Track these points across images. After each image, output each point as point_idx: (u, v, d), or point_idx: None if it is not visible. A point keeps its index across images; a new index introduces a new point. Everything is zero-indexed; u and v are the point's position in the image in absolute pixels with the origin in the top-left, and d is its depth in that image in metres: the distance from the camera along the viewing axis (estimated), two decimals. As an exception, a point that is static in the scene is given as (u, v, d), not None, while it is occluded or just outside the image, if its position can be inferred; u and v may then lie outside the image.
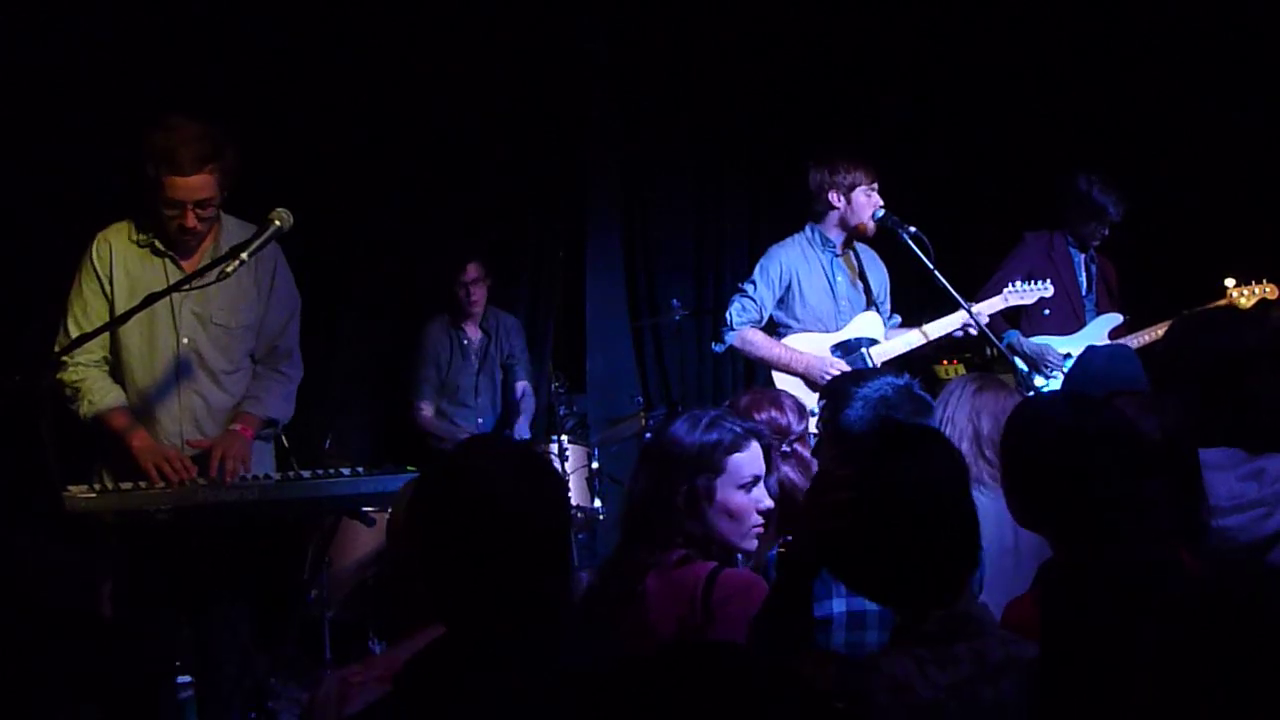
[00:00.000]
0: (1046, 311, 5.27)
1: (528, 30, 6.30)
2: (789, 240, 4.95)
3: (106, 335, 3.66)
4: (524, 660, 1.78)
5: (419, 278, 6.05)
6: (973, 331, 4.88)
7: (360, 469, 3.77)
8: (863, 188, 4.82)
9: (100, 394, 3.65)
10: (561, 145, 6.62)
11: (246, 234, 3.57)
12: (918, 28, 6.73)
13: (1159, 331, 5.41)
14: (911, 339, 4.89)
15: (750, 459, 2.63)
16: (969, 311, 4.70)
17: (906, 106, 6.85)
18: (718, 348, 5.02)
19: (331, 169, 5.67)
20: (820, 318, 4.87)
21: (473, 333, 5.90)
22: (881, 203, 4.82)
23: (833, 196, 4.86)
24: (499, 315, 6.00)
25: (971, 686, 1.87)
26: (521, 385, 5.99)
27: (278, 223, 3.46)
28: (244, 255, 3.40)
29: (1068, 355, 5.46)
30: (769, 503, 2.65)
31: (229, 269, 3.40)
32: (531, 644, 1.80)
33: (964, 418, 3.25)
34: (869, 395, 3.03)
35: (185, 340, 3.74)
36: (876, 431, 2.16)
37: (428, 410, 5.79)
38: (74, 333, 3.60)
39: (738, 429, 2.65)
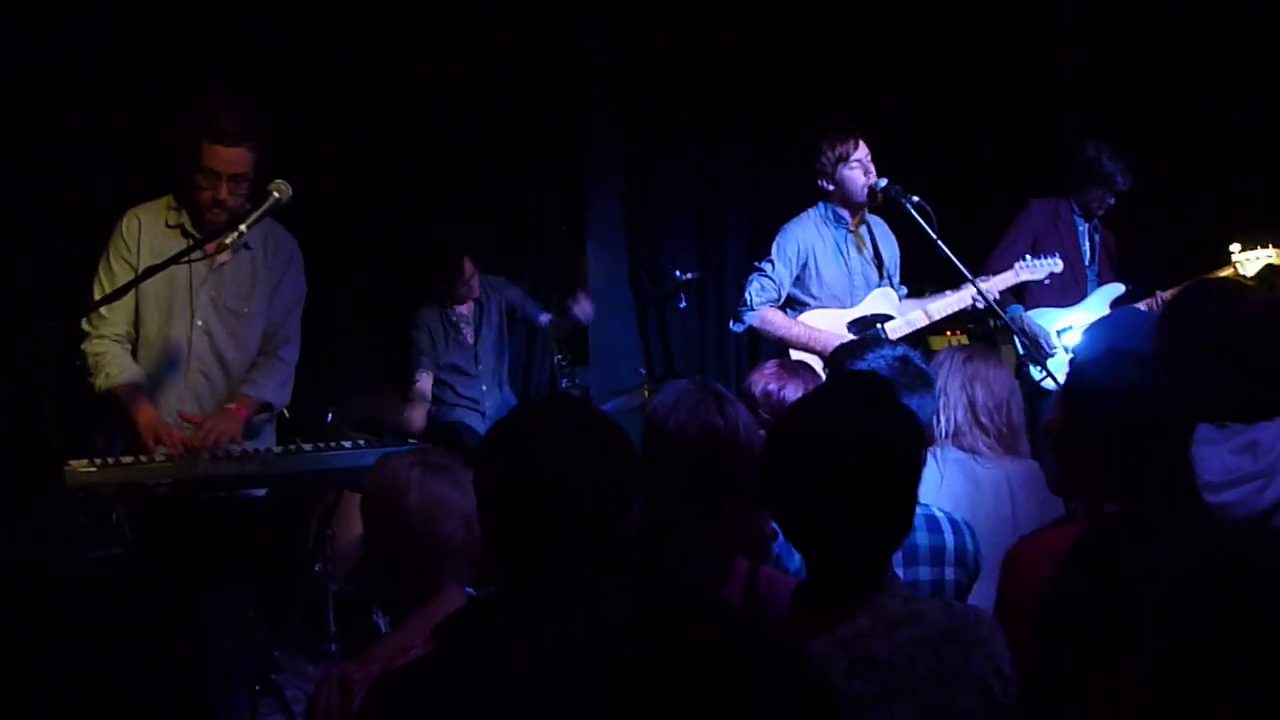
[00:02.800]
0: (1047, 281, 5.25)
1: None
2: (803, 217, 4.91)
3: (131, 311, 3.72)
4: (570, 620, 1.78)
5: (416, 261, 6.03)
6: (979, 304, 4.85)
7: (362, 441, 3.79)
8: (846, 163, 4.75)
9: (117, 369, 3.69)
10: (562, 116, 6.59)
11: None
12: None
13: (1164, 300, 5.40)
14: (915, 319, 4.86)
15: None
16: (977, 287, 4.65)
17: (909, 69, 6.80)
18: (736, 328, 4.93)
19: (330, 142, 5.66)
20: (836, 294, 4.84)
21: (463, 308, 5.89)
22: (873, 170, 4.77)
23: (822, 182, 4.84)
24: (482, 279, 5.97)
25: (866, 642, 1.92)
26: (543, 318, 6.02)
27: (276, 194, 3.46)
28: (242, 226, 3.41)
29: (1067, 327, 5.45)
30: None
31: (227, 240, 3.45)
32: (578, 605, 1.80)
33: (956, 388, 3.25)
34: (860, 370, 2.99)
35: (200, 323, 3.79)
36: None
37: (425, 381, 5.80)
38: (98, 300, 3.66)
39: None
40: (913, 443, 2.03)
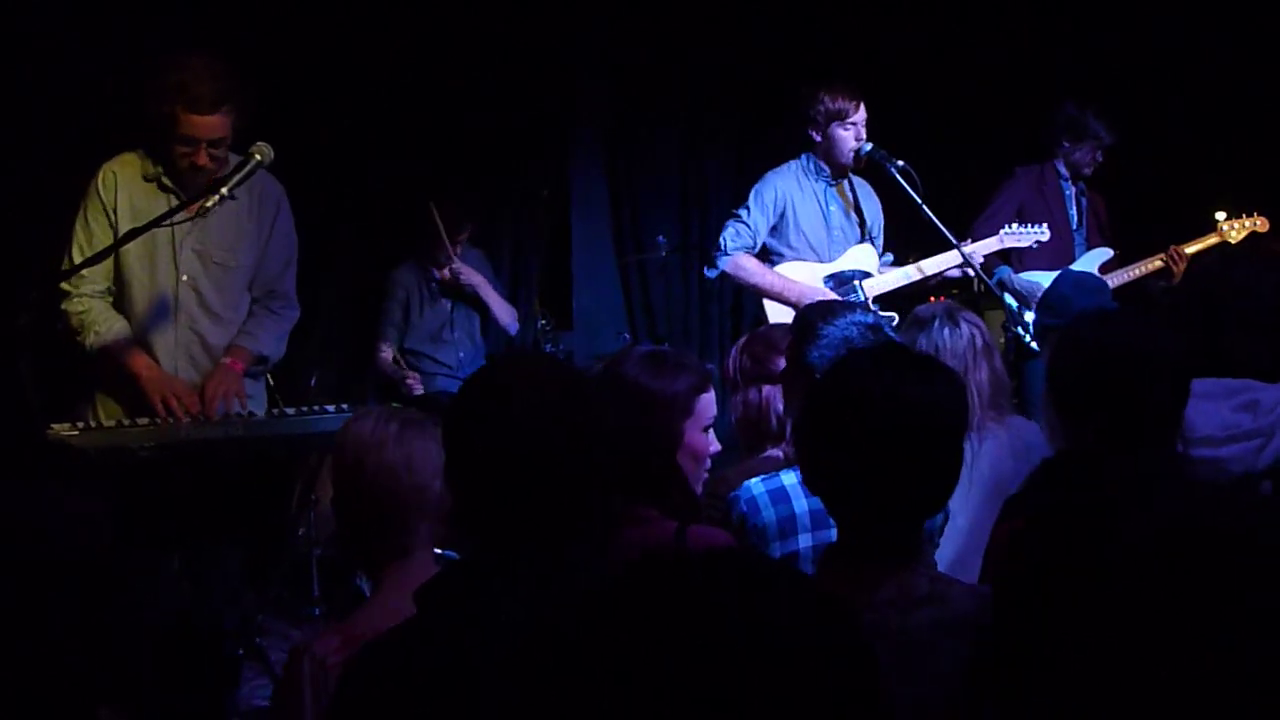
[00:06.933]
0: (1035, 246, 5.24)
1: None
2: (785, 167, 4.85)
3: (110, 267, 3.65)
4: (549, 581, 1.72)
5: (397, 219, 5.98)
6: (969, 271, 4.84)
7: (345, 406, 3.76)
8: (841, 122, 4.70)
9: (105, 324, 3.63)
10: (547, 81, 6.55)
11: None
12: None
13: (1149, 265, 5.41)
14: (908, 273, 4.84)
15: (712, 399, 2.59)
16: (961, 252, 4.64)
17: (897, 38, 6.78)
18: (710, 273, 4.86)
19: (313, 106, 5.61)
20: (814, 247, 4.79)
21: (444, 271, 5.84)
22: (864, 135, 4.73)
23: (812, 132, 4.79)
24: (465, 249, 5.89)
25: (883, 612, 1.85)
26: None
27: (258, 157, 3.43)
28: (223, 190, 3.37)
29: (1055, 289, 5.46)
30: (718, 446, 2.62)
31: (208, 203, 3.38)
32: (556, 565, 1.74)
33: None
34: (832, 335, 2.83)
35: (185, 278, 3.73)
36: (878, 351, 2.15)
37: (386, 353, 5.74)
38: (77, 260, 3.58)
39: (700, 368, 2.61)
40: (960, 410, 1.98)
